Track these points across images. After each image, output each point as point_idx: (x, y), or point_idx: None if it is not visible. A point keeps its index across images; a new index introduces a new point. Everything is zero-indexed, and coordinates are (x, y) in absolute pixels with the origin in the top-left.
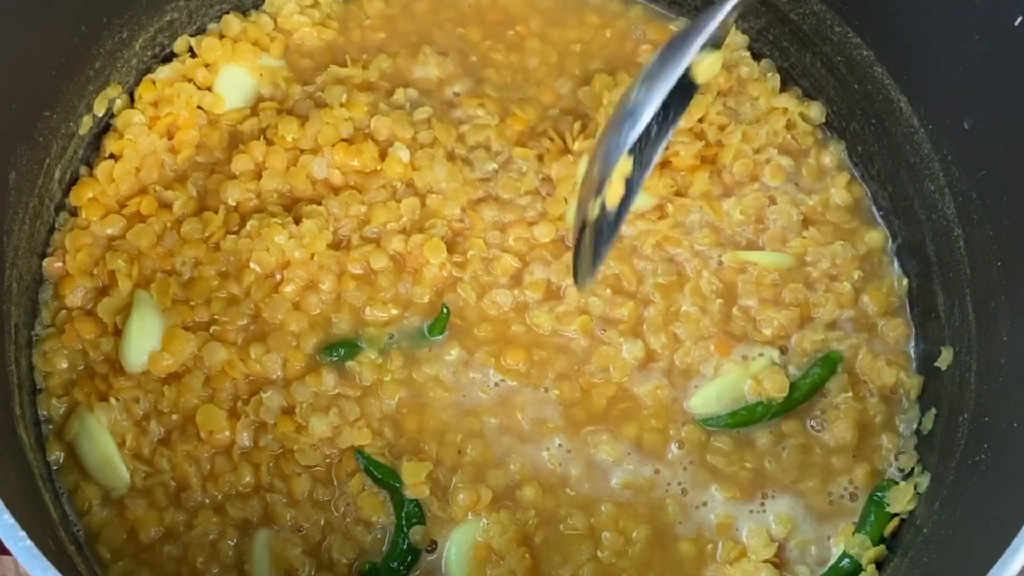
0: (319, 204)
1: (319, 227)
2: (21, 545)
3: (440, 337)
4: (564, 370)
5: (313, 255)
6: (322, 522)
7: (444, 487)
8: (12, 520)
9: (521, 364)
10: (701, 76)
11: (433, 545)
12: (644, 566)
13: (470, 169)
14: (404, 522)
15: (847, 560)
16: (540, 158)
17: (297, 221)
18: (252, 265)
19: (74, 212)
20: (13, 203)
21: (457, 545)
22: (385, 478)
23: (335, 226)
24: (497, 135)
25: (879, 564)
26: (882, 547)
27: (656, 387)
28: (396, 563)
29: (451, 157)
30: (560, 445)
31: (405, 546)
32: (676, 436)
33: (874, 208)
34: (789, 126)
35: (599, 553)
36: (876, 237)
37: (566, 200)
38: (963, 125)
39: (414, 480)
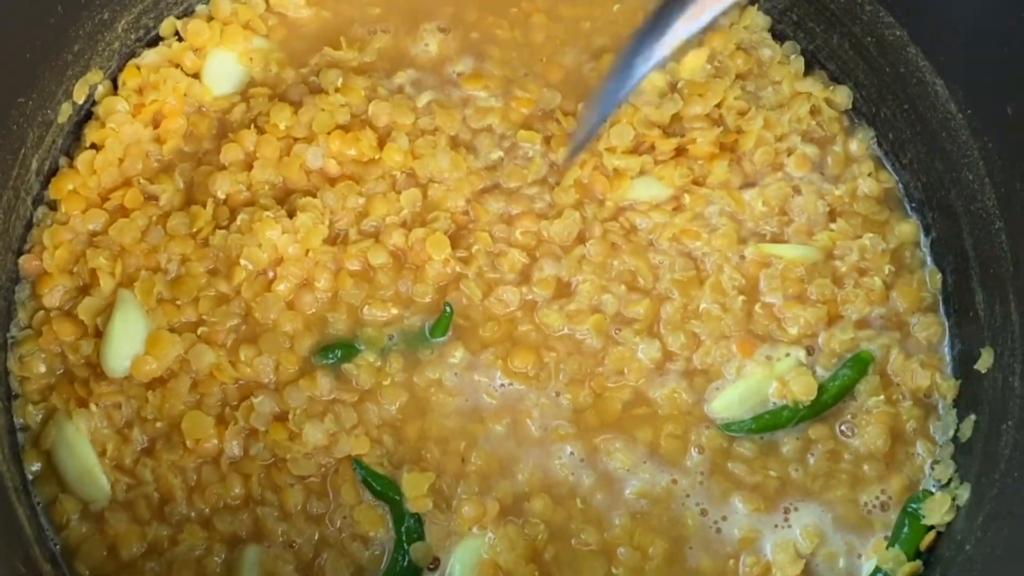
0: (314, 196)
1: (314, 221)
2: None
3: (443, 338)
4: (576, 373)
5: (308, 251)
6: (316, 537)
7: (447, 498)
8: None
9: (529, 366)
10: None
11: (436, 563)
12: None
13: (474, 157)
14: (404, 538)
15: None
16: (547, 141)
17: (291, 214)
18: (243, 262)
19: (53, 206)
20: None
21: (461, 562)
22: (384, 490)
23: (331, 219)
24: (501, 118)
25: None
26: (918, 563)
27: (674, 390)
28: None
29: (454, 144)
30: (571, 453)
31: (405, 563)
32: (696, 442)
33: (905, 200)
34: (814, 112)
35: (613, 570)
36: (908, 229)
37: (574, 191)
38: (1006, 110)
39: (416, 492)
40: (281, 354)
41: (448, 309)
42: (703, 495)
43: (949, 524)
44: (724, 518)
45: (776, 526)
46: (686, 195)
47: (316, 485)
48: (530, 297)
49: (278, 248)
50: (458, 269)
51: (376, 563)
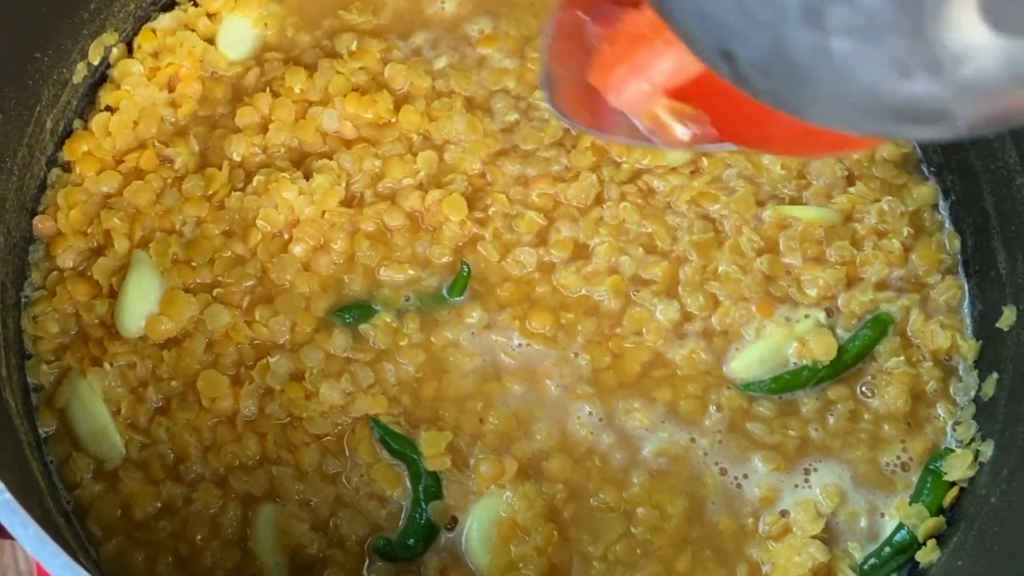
0: (330, 159)
1: (330, 183)
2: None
3: (460, 298)
4: (593, 334)
5: (324, 213)
6: (332, 496)
7: (465, 458)
8: None
9: (547, 327)
10: None
11: (453, 522)
12: (681, 542)
13: (490, 119)
14: (422, 496)
15: (902, 532)
16: None
17: (307, 176)
18: (259, 223)
19: (67, 168)
20: (0, 149)
21: (479, 520)
22: (402, 448)
23: (348, 182)
24: (517, 79)
25: (940, 540)
26: (940, 519)
27: (693, 351)
28: (413, 540)
29: (470, 106)
30: (590, 413)
31: (423, 522)
32: (715, 402)
33: (924, 163)
34: None
35: (632, 529)
36: (926, 192)
37: (591, 153)
38: None
39: (433, 451)
40: (297, 315)
41: (465, 269)
42: (722, 454)
43: (972, 480)
44: (745, 476)
45: (796, 486)
46: (704, 159)
47: (332, 444)
48: (547, 259)
49: (294, 210)
50: (475, 231)
51: (393, 522)
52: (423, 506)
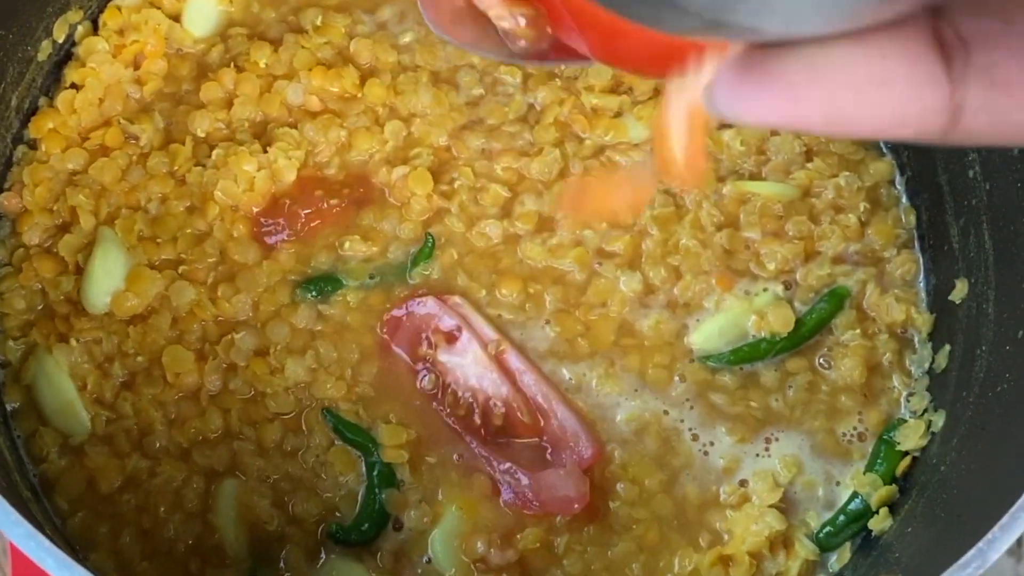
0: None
1: (286, 151)
2: None
3: (426, 271)
4: (561, 303)
5: None
6: (292, 474)
7: None
8: None
9: (515, 295)
10: None
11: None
12: (649, 515)
13: (456, 93)
14: (376, 483)
15: (857, 501)
16: (526, 80)
17: (266, 148)
18: (217, 195)
19: (32, 145)
20: None
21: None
22: (356, 437)
23: (312, 152)
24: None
25: (892, 508)
26: (893, 487)
27: (658, 320)
28: (366, 525)
29: (436, 80)
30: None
31: (377, 507)
32: (679, 372)
33: (881, 140)
34: None
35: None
36: (883, 168)
37: (554, 129)
38: None
39: (394, 442)
40: (261, 291)
41: (430, 241)
42: (689, 425)
43: (924, 449)
44: (712, 443)
45: (757, 455)
46: None
47: (292, 422)
48: (512, 231)
49: (254, 183)
50: (441, 203)
51: (350, 502)
52: (376, 492)
